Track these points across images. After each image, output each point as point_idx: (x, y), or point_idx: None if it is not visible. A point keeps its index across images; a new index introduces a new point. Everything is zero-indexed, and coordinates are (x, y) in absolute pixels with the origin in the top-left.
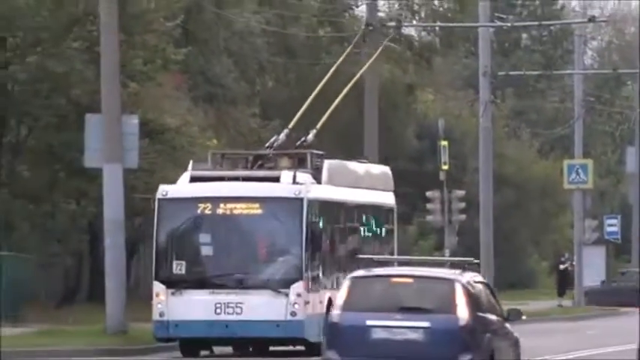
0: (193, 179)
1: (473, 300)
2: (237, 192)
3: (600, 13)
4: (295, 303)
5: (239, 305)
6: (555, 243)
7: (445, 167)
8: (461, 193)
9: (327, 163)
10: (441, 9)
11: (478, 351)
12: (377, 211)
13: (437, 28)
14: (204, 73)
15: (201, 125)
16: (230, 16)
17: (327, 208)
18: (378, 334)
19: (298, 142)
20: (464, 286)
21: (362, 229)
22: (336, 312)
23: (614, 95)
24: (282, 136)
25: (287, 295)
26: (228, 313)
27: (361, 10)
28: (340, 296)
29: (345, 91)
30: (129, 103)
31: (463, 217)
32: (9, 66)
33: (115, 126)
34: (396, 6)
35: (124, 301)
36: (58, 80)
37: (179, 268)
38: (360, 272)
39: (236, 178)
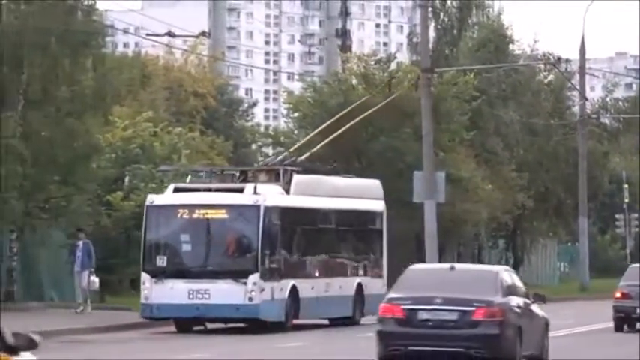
0: (176, 190)
1: None
2: (208, 200)
3: None
4: (252, 290)
5: (207, 291)
6: None
7: (626, 200)
8: (635, 215)
9: (295, 178)
10: (623, 106)
11: None
12: (358, 216)
13: (621, 118)
14: (484, 145)
15: (481, 177)
16: (499, 113)
17: (291, 213)
18: None
19: (286, 162)
20: None
21: (339, 230)
22: None
23: None
24: (280, 157)
25: (245, 283)
26: (199, 298)
27: (576, 109)
28: None
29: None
30: (439, 165)
31: (637, 229)
32: (369, 143)
33: (431, 178)
34: (596, 105)
35: None
36: (397, 151)
37: (161, 261)
38: None
39: (209, 190)
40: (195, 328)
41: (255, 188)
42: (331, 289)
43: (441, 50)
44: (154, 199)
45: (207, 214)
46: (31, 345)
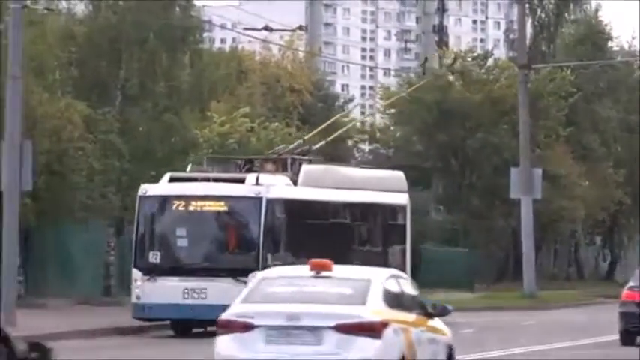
0: (172, 180)
1: None
2: (206, 191)
3: None
4: None
5: (204, 291)
6: None
7: None
8: None
9: (304, 168)
10: None
11: None
12: (377, 210)
13: None
14: (580, 142)
15: (578, 173)
16: (596, 109)
17: (298, 206)
18: None
19: (298, 150)
20: None
21: (353, 225)
22: None
23: None
24: (294, 145)
25: (245, 282)
26: (194, 298)
27: None
28: None
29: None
30: (536, 161)
31: None
32: (466, 140)
33: (527, 174)
34: None
35: (533, 277)
36: (495, 147)
37: (154, 257)
38: None
39: (207, 180)
40: (195, 330)
41: (257, 178)
42: None
43: (537, 46)
44: (147, 189)
45: (204, 206)
46: (444, 312)
